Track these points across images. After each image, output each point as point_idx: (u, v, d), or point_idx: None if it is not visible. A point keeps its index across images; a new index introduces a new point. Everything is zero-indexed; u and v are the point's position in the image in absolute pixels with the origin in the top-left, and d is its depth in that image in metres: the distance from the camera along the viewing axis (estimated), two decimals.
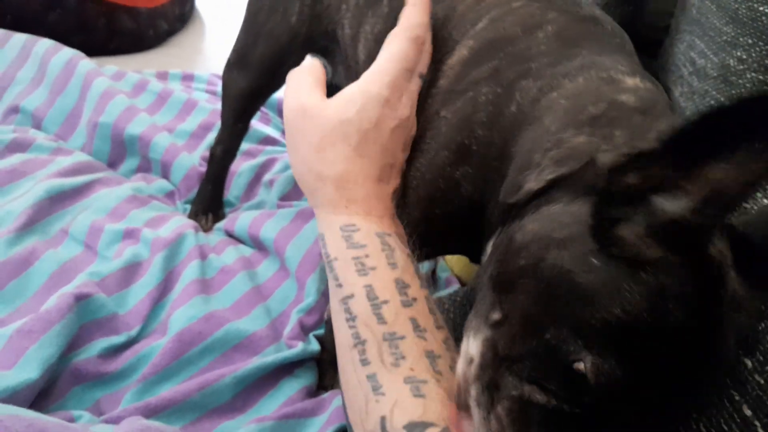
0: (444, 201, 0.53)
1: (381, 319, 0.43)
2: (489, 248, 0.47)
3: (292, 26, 0.80)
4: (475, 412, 0.37)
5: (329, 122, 0.51)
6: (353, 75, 0.78)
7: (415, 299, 0.45)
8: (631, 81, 0.49)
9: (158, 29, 1.75)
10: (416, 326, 0.43)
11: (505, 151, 0.49)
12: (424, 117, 0.56)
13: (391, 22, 0.67)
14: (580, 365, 0.33)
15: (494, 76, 0.52)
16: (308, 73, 0.56)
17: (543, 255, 0.37)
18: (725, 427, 0.39)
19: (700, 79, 0.74)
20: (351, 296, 0.45)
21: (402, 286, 0.45)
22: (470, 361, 0.38)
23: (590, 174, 0.39)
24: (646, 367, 0.33)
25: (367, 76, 0.53)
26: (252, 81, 0.87)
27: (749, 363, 0.39)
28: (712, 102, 0.73)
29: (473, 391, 0.37)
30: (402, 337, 0.42)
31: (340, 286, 0.46)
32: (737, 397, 0.39)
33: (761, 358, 0.38)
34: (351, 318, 0.43)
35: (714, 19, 0.69)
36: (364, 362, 0.41)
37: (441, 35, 0.60)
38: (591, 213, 0.37)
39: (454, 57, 0.56)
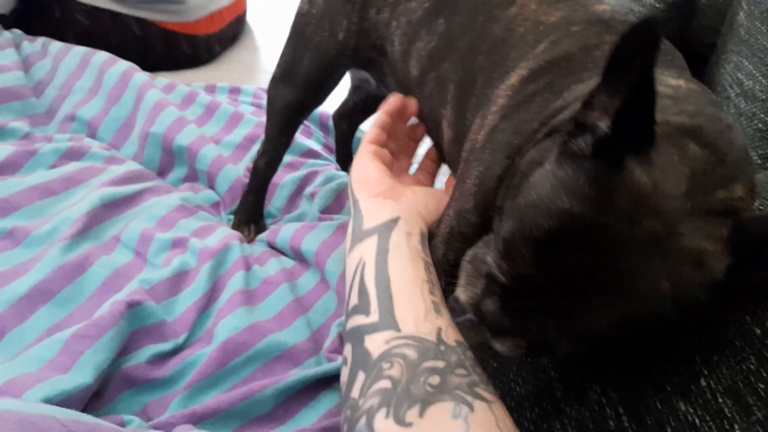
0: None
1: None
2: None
3: (340, 42, 0.82)
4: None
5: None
6: (403, 89, 0.79)
7: None
8: (675, 81, 0.50)
9: (213, 52, 1.82)
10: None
11: None
12: (486, 134, 0.59)
13: (445, 40, 0.68)
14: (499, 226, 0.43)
15: (548, 87, 0.55)
16: (372, 153, 0.69)
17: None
18: None
19: (747, 101, 0.72)
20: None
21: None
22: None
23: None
24: (537, 236, 0.39)
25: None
26: (298, 95, 0.89)
27: None
28: (760, 125, 0.72)
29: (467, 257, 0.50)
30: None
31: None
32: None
33: None
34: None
35: (764, 40, 0.68)
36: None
37: (498, 56, 0.62)
38: (558, 148, 0.42)
39: (512, 78, 0.58)
